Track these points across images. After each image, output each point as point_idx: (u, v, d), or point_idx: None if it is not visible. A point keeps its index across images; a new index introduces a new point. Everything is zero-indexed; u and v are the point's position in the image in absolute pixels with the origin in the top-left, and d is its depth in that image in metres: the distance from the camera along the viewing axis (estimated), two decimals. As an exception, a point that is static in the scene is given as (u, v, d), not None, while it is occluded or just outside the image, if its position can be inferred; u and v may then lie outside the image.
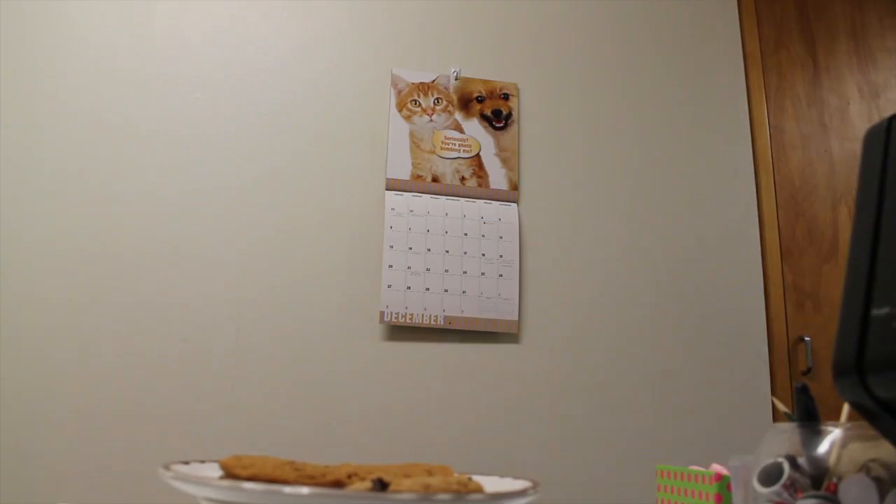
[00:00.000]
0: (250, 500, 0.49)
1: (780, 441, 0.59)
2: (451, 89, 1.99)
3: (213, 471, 0.60)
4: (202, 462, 0.64)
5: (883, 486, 0.51)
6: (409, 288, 1.80)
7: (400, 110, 1.94)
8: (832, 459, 0.54)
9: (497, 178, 1.95)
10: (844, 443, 0.55)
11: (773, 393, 1.95)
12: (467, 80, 2.00)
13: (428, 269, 1.83)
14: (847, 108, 2.27)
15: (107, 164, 1.77)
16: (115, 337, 1.67)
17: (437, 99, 1.97)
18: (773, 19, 2.30)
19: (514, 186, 1.95)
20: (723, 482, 0.71)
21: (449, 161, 1.93)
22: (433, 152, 1.93)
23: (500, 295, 1.85)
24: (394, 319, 1.78)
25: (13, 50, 1.78)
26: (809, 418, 0.58)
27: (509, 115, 2.00)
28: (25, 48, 1.79)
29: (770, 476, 0.56)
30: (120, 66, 1.83)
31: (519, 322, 1.86)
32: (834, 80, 2.29)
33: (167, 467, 0.55)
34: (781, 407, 0.67)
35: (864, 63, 2.32)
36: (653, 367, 1.92)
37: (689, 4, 2.23)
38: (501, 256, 1.88)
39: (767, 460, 0.57)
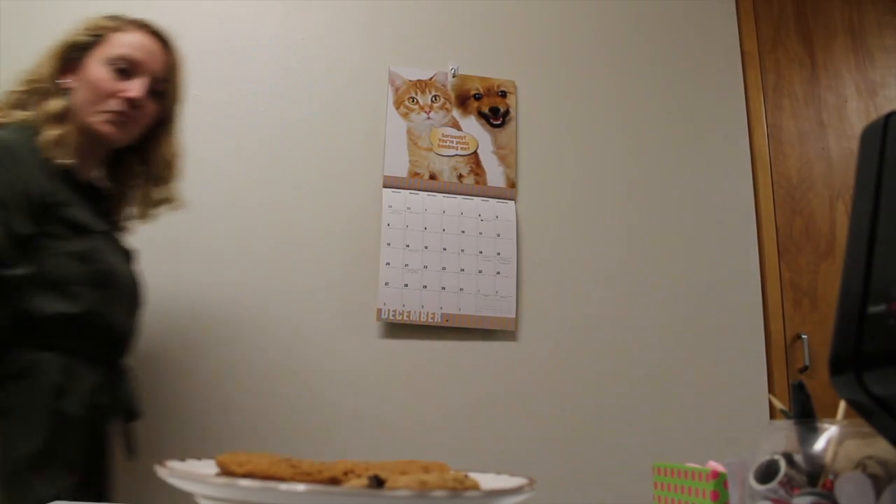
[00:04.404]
0: (247, 498, 0.49)
1: (777, 438, 0.59)
2: (449, 87, 1.98)
3: (210, 468, 0.60)
4: (199, 459, 0.64)
5: (879, 483, 0.51)
6: (406, 285, 1.80)
7: (397, 108, 1.94)
8: (828, 456, 0.54)
9: (495, 175, 1.95)
10: (841, 440, 0.55)
11: (771, 390, 1.95)
12: (465, 78, 2.00)
13: (425, 267, 1.83)
14: (844, 105, 2.27)
15: (104, 161, 1.76)
16: (112, 334, 1.67)
17: (435, 96, 1.97)
18: (771, 17, 2.31)
19: (512, 184, 1.95)
20: (719, 479, 0.71)
21: (446, 158, 1.93)
22: (431, 150, 1.93)
23: (497, 293, 1.85)
24: (391, 317, 1.78)
25: (8, 46, 1.78)
26: (806, 415, 0.58)
27: (507, 112, 2.00)
28: (18, 43, 1.79)
29: (766, 473, 0.56)
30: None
31: (516, 320, 1.86)
32: (832, 79, 2.29)
33: (163, 464, 0.55)
34: (778, 404, 0.67)
35: (862, 61, 2.32)
36: (650, 364, 1.92)
37: (686, 2, 2.23)
38: (499, 254, 1.88)
39: (764, 457, 0.58)
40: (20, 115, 1.21)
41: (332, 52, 1.96)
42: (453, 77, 1.99)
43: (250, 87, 1.89)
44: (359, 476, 0.54)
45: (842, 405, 0.59)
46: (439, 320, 1.80)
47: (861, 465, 0.52)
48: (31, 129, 1.19)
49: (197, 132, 1.83)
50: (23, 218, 1.09)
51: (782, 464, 0.55)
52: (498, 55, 2.06)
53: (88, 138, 1.25)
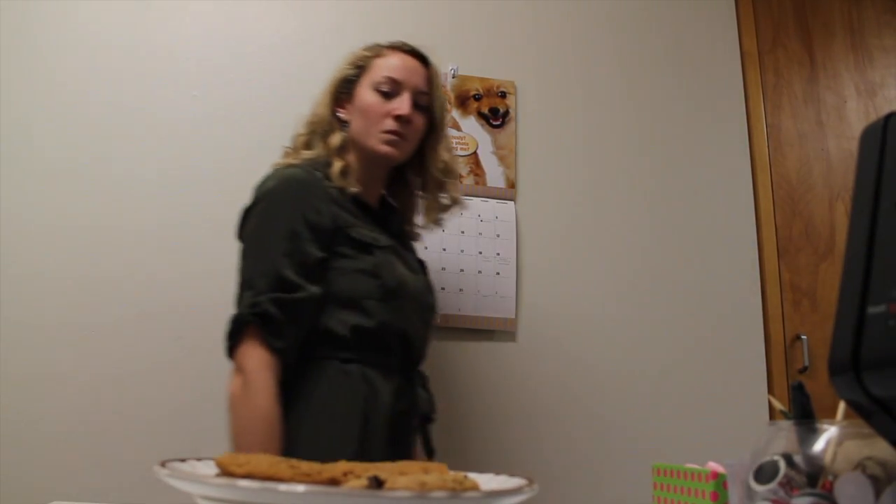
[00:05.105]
0: (246, 498, 0.48)
1: (777, 439, 0.59)
2: (449, 87, 1.98)
3: (210, 468, 0.60)
4: (198, 459, 0.63)
5: (878, 484, 0.51)
6: (406, 286, 1.80)
7: (397, 108, 1.94)
8: (828, 457, 0.54)
9: (494, 176, 1.95)
10: (840, 440, 0.55)
11: (770, 391, 1.95)
12: (464, 78, 2.00)
13: (425, 267, 1.82)
14: (844, 106, 2.27)
15: (101, 162, 1.76)
16: (111, 336, 1.67)
17: (435, 97, 1.96)
18: (771, 17, 2.31)
19: (512, 185, 1.95)
20: (719, 480, 0.71)
21: (446, 159, 1.93)
22: (430, 150, 1.92)
23: (497, 293, 1.85)
24: (391, 317, 1.78)
25: (8, 46, 1.78)
26: (805, 416, 0.58)
27: (506, 113, 2.00)
28: (20, 45, 1.79)
29: (766, 474, 0.56)
30: (116, 64, 1.83)
31: (516, 320, 1.86)
32: (831, 79, 2.29)
33: (163, 465, 0.55)
34: (778, 405, 0.67)
35: (862, 61, 2.32)
36: (649, 364, 1.92)
37: (686, 2, 2.23)
38: (499, 254, 1.88)
39: (764, 458, 0.57)
40: (308, 154, 1.36)
41: (332, 54, 1.94)
42: (453, 78, 1.99)
43: (250, 88, 1.89)
44: (358, 477, 0.54)
45: (841, 406, 0.58)
46: (438, 321, 1.80)
47: (860, 466, 0.52)
48: (319, 163, 1.32)
49: (196, 133, 1.83)
50: (313, 244, 1.21)
51: (782, 464, 0.55)
52: (497, 56, 2.06)
53: (371, 162, 1.38)
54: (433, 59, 1.43)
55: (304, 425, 1.16)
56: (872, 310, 0.45)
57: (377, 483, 0.51)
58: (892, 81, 2.32)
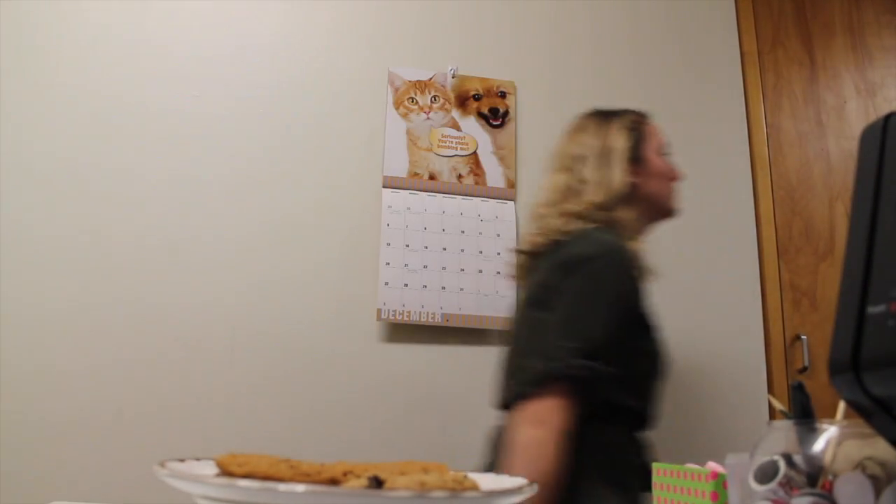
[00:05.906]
0: (245, 498, 0.48)
1: (776, 439, 0.59)
2: (449, 87, 1.98)
3: (209, 468, 0.60)
4: (198, 459, 0.63)
5: (878, 484, 0.51)
6: (406, 285, 1.80)
7: (397, 108, 1.94)
8: (828, 457, 0.54)
9: (494, 176, 1.95)
10: (840, 440, 0.55)
11: (770, 391, 1.95)
12: (464, 78, 2.00)
13: (425, 267, 1.83)
14: (844, 106, 2.27)
15: (101, 162, 1.76)
16: (111, 336, 1.67)
17: (434, 97, 1.97)
18: (771, 17, 2.31)
19: (512, 184, 1.95)
20: (719, 480, 0.71)
21: (446, 159, 1.93)
22: (430, 150, 1.93)
23: (497, 292, 1.85)
24: (391, 317, 1.78)
25: (7, 47, 1.78)
26: (805, 416, 0.58)
27: (506, 113, 2.00)
28: (19, 45, 1.79)
29: (766, 474, 0.56)
30: (115, 65, 1.83)
31: (516, 320, 1.86)
32: (831, 79, 2.29)
33: (162, 464, 0.55)
34: (778, 405, 0.67)
35: (861, 61, 2.32)
36: (649, 365, 1.92)
37: (686, 2, 2.23)
38: (499, 254, 1.88)
39: (763, 458, 0.57)
40: (593, 221, 1.32)
41: (332, 53, 1.96)
42: (453, 77, 1.99)
43: (250, 87, 1.89)
44: (358, 477, 0.54)
45: (841, 406, 0.58)
46: (439, 320, 1.80)
47: (860, 466, 0.52)
48: (618, 232, 1.31)
49: (194, 133, 1.83)
50: (625, 319, 1.22)
51: (782, 464, 0.55)
52: (497, 56, 2.06)
53: (656, 219, 1.45)
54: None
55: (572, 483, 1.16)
56: (872, 310, 0.45)
57: (377, 483, 0.51)
58: (892, 81, 2.32)
